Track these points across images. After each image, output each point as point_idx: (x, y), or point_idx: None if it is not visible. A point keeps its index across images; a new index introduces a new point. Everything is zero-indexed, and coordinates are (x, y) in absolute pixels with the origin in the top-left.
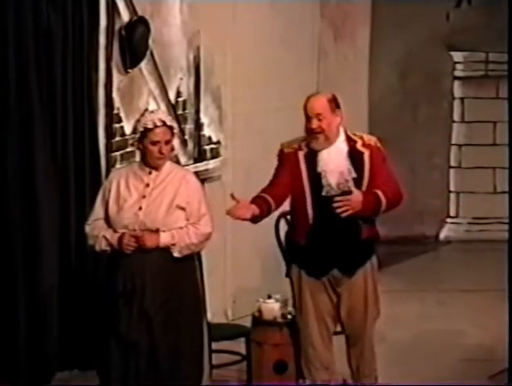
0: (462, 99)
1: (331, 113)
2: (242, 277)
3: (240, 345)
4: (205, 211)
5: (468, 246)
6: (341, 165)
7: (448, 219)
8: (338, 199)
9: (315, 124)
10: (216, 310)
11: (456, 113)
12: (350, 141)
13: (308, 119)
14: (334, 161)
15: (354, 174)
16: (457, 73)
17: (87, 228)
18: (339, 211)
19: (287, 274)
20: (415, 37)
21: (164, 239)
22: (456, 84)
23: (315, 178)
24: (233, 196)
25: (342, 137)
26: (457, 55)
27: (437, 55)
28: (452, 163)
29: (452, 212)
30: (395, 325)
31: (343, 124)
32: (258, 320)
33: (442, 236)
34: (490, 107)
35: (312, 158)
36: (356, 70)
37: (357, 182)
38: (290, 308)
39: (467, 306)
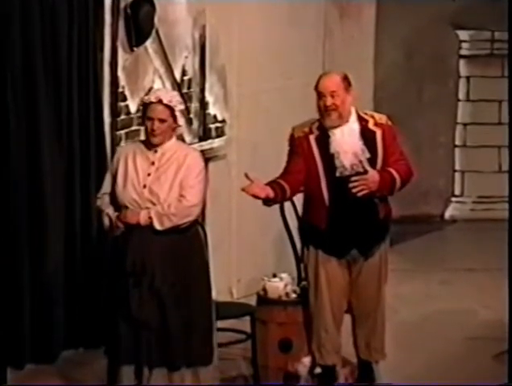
0: (468, 78)
1: (344, 91)
2: (247, 256)
3: (245, 323)
4: (194, 184)
5: (473, 225)
6: (354, 145)
7: (453, 198)
8: (354, 178)
9: (329, 101)
10: (221, 289)
11: (461, 92)
12: (362, 120)
13: (321, 97)
14: (347, 141)
15: (368, 155)
16: (463, 52)
17: (98, 202)
18: (355, 190)
19: (301, 257)
20: (421, 15)
21: (144, 214)
22: (462, 62)
23: (329, 159)
24: (247, 176)
25: (354, 116)
26: (463, 34)
27: (443, 33)
28: (458, 142)
29: (457, 191)
30: (400, 304)
31: (354, 103)
32: (263, 299)
33: (447, 215)
34: (496, 86)
35: (324, 139)
36: (361, 49)
37: (371, 161)
38: (295, 286)
39: (472, 285)
